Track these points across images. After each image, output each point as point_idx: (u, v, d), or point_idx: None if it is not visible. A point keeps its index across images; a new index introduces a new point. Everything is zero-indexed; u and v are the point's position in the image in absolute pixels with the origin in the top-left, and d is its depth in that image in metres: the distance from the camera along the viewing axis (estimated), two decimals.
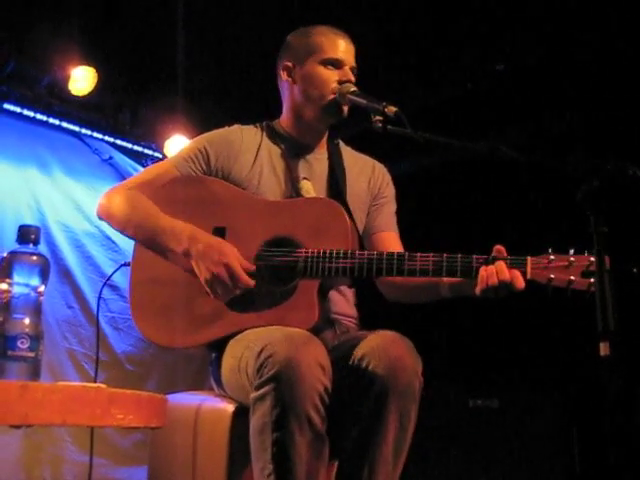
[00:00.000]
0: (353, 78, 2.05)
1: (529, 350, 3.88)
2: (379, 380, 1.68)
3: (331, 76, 2.04)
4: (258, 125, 2.17)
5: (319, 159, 2.13)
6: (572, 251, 1.75)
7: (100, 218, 2.05)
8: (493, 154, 1.63)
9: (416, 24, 3.74)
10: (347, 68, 2.05)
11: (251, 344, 1.72)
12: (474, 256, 1.79)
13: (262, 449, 1.62)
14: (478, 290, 1.77)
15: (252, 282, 1.84)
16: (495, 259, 1.77)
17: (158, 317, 1.93)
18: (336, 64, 2.05)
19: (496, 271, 1.74)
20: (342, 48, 2.07)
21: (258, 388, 1.62)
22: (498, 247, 1.79)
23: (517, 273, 1.75)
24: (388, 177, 2.23)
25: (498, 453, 3.74)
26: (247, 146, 2.09)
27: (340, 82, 2.02)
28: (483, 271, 1.76)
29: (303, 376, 1.58)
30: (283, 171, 2.06)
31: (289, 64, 2.11)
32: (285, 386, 1.57)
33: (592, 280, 1.69)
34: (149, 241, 1.95)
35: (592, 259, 1.70)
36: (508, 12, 3.53)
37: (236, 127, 2.15)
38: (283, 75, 2.13)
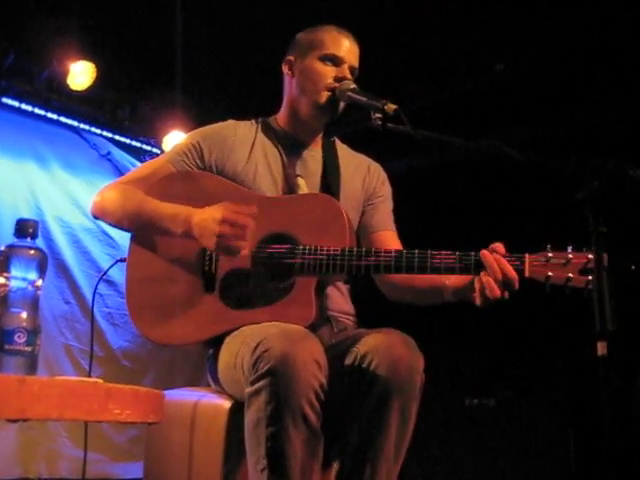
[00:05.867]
0: (350, 76, 2.02)
1: (526, 349, 3.88)
2: (381, 379, 1.67)
3: (328, 72, 2.02)
4: (253, 121, 2.16)
5: (314, 156, 2.11)
6: (570, 248, 1.74)
7: (95, 217, 2.04)
8: (492, 153, 1.63)
9: (416, 23, 3.73)
10: (346, 66, 2.03)
11: (247, 339, 1.71)
12: (472, 253, 1.78)
13: (256, 444, 1.61)
14: (478, 302, 1.75)
15: (252, 220, 1.79)
16: None
17: (155, 315, 1.92)
18: (335, 61, 2.03)
19: (493, 274, 1.72)
20: (344, 47, 2.05)
21: (253, 383, 1.61)
22: (494, 245, 1.78)
23: (508, 266, 1.73)
24: (384, 176, 2.22)
25: (494, 452, 3.75)
26: (241, 141, 2.07)
27: (336, 79, 2.01)
28: (478, 283, 1.74)
29: (299, 371, 1.57)
30: (277, 168, 2.05)
31: (291, 58, 2.10)
32: (280, 381, 1.57)
33: (590, 277, 1.68)
34: (147, 228, 1.94)
35: (590, 256, 1.68)
36: (508, 11, 3.53)
37: (230, 122, 2.14)
38: (285, 69, 2.12)
